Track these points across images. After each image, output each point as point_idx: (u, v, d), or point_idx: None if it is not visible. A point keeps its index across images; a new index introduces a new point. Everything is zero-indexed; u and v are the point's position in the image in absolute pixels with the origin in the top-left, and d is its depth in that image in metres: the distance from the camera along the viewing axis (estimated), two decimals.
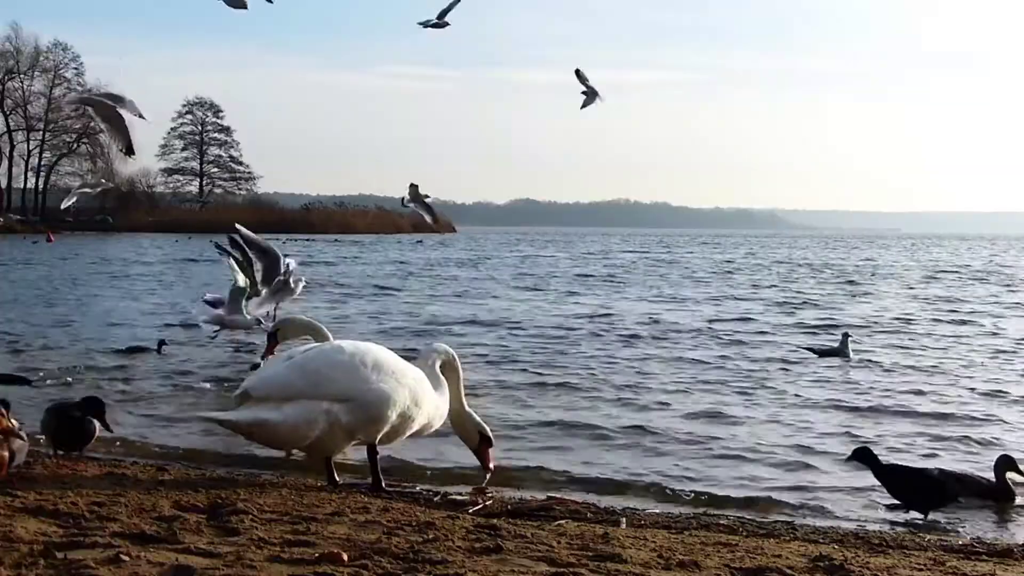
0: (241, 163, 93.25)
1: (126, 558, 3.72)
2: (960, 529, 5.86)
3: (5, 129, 79.94)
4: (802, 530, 5.46)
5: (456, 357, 6.07)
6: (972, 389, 10.67)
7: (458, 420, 6.07)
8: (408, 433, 5.77)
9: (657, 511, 5.90)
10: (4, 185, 79.96)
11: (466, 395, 6.20)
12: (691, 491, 6.50)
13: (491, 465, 6.17)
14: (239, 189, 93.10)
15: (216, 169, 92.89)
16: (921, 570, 4.34)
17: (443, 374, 5.99)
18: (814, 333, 16.22)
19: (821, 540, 5.13)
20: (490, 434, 6.14)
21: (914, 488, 6.05)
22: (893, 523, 5.95)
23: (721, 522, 5.53)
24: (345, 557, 3.89)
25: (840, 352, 12.85)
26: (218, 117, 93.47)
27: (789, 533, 5.34)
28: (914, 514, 6.08)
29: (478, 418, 6.12)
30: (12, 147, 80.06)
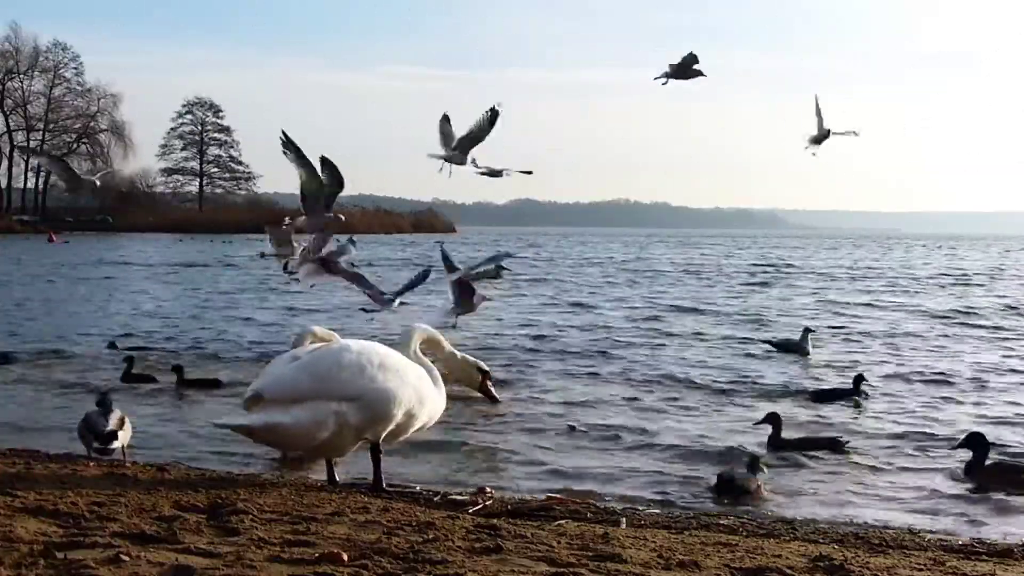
0: (241, 163, 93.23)
1: (126, 558, 3.72)
2: (960, 529, 5.87)
3: (5, 129, 79.98)
4: (802, 530, 5.46)
5: (431, 329, 6.20)
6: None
7: (455, 366, 6.14)
8: (411, 431, 5.77)
9: (657, 511, 5.91)
10: (4, 185, 80.00)
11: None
12: (692, 491, 6.51)
13: (496, 395, 6.43)
14: (239, 189, 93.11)
15: (216, 169, 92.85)
16: (921, 570, 4.34)
17: (426, 347, 6.07)
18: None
19: (821, 540, 5.13)
20: (487, 367, 6.44)
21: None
22: (893, 523, 5.95)
23: (721, 522, 5.52)
24: (345, 557, 3.89)
25: (799, 348, 12.94)
26: (218, 117, 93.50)
27: (789, 533, 5.34)
28: (914, 514, 6.10)
29: (472, 358, 6.34)
30: (12, 147, 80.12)
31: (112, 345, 12.70)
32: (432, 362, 6.00)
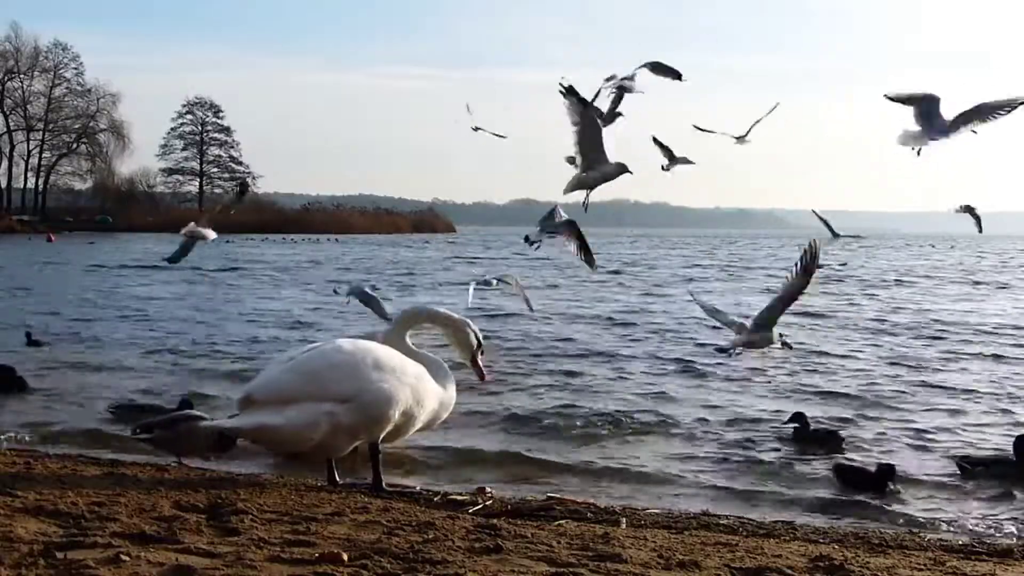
0: (241, 163, 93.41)
1: (126, 558, 3.72)
2: (960, 529, 5.87)
3: (5, 129, 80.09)
4: (802, 530, 5.46)
5: (425, 311, 6.11)
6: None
7: (457, 325, 6.01)
8: (412, 431, 5.73)
9: (657, 511, 5.90)
10: (4, 185, 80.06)
11: None
12: (693, 490, 6.51)
13: (484, 372, 6.11)
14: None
15: (216, 169, 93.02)
16: (921, 570, 4.34)
17: (428, 326, 6.04)
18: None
19: (821, 540, 5.13)
20: (481, 336, 6.07)
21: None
22: (893, 523, 5.95)
23: (721, 522, 5.52)
24: (345, 557, 3.89)
25: None
26: (218, 117, 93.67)
27: (789, 533, 5.33)
28: (914, 514, 6.10)
29: (472, 324, 6.04)
30: (12, 147, 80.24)
31: (28, 336, 12.97)
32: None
